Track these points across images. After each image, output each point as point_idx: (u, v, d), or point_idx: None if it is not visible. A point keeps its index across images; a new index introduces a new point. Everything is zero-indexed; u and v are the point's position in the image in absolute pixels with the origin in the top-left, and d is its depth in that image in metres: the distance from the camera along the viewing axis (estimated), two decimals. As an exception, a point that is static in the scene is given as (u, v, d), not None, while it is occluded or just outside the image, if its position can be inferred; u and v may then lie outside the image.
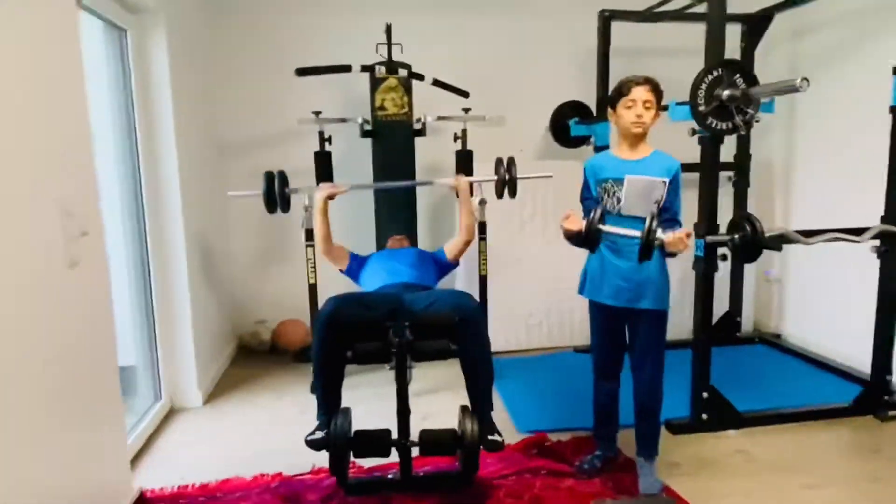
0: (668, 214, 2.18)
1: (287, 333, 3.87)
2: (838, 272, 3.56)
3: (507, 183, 3.07)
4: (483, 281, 3.50)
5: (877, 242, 2.74)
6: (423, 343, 2.17)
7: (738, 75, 2.37)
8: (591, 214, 2.03)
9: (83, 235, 1.92)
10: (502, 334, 3.90)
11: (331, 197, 2.87)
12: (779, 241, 2.48)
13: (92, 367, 1.99)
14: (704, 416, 2.70)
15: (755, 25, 3.66)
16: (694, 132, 2.54)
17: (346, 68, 3.23)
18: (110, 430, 2.12)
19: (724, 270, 3.98)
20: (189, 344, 3.12)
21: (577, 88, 3.86)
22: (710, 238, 2.56)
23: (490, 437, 2.14)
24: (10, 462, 1.49)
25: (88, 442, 1.96)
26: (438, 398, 3.16)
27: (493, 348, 3.75)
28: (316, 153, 3.42)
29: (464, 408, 2.20)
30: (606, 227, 2.05)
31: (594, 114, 3.74)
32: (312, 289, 3.27)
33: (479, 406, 2.24)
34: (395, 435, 2.17)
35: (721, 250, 2.65)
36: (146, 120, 2.91)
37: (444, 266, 3.01)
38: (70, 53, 1.92)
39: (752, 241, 2.42)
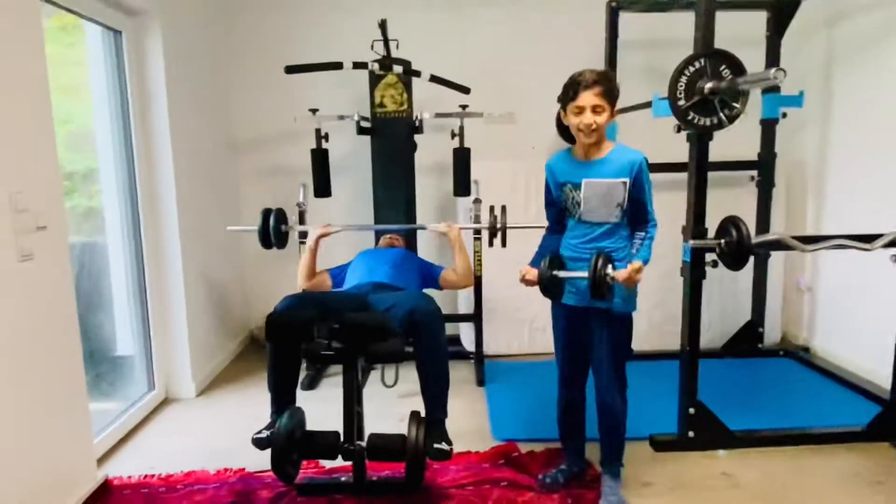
0: (637, 217, 2.04)
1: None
2: (872, 282, 3.23)
3: (496, 231, 2.96)
4: (478, 282, 3.42)
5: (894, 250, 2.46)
6: (376, 345, 2.12)
7: (724, 66, 2.17)
8: (541, 265, 2.01)
9: (39, 230, 1.99)
10: (503, 337, 3.80)
11: (323, 236, 2.89)
12: (768, 248, 2.26)
13: (53, 357, 2.07)
14: (691, 433, 2.52)
15: (781, 12, 3.38)
16: (679, 129, 2.35)
17: (338, 65, 3.21)
18: (74, 419, 2.19)
19: (747, 278, 3.74)
20: (184, 337, 3.21)
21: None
22: (695, 243, 2.37)
23: (436, 446, 2.07)
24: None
25: (50, 429, 2.05)
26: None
27: (493, 351, 3.78)
28: (313, 150, 3.43)
29: (414, 413, 2.14)
30: (561, 273, 2.02)
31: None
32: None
33: (430, 412, 2.17)
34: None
35: (711, 256, 2.45)
36: (142, 117, 3.01)
37: (431, 280, 2.95)
38: (30, 47, 1.99)
39: (737, 247, 2.22)
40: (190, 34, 3.33)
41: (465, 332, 3.79)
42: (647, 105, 2.61)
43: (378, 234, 3.41)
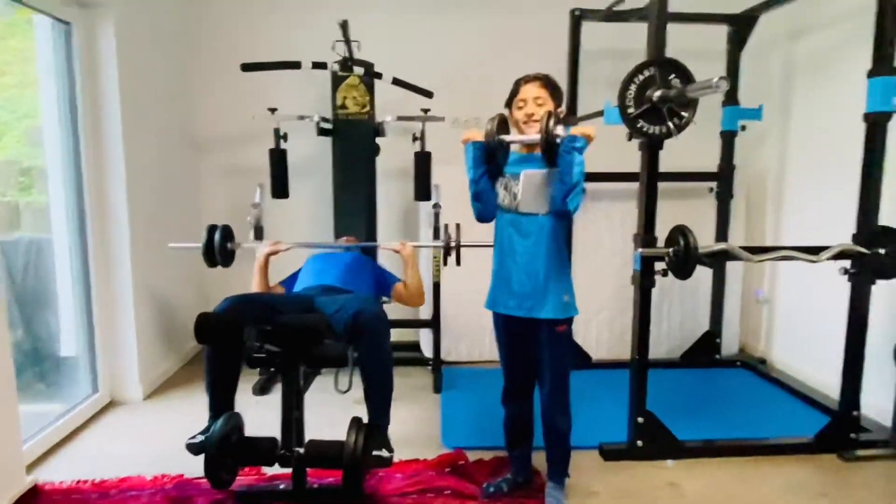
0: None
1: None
2: (825, 295, 3.25)
3: (450, 250, 2.91)
4: (436, 288, 3.39)
5: (845, 263, 2.48)
6: (316, 348, 2.07)
7: (673, 75, 2.18)
8: (489, 124, 1.93)
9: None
10: (464, 344, 3.77)
11: (272, 253, 2.78)
12: (715, 257, 2.26)
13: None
14: (639, 442, 2.50)
15: (741, 26, 3.42)
16: (631, 137, 2.35)
17: (296, 64, 3.17)
18: (1, 421, 2.10)
19: (706, 288, 3.76)
20: (131, 338, 3.12)
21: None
22: (645, 251, 2.36)
23: (375, 453, 2.02)
24: None
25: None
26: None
27: (453, 357, 3.74)
28: (271, 150, 3.38)
29: (354, 419, 2.09)
30: (508, 137, 1.97)
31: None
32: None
33: (372, 418, 2.13)
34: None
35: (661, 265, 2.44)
36: (92, 113, 2.93)
37: (385, 287, 2.88)
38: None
39: (685, 255, 2.22)
40: (147, 28, 3.25)
41: (425, 338, 3.75)
42: (601, 114, 2.61)
43: (337, 219, 3.34)
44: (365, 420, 2.10)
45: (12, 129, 2.92)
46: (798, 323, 3.56)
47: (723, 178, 3.61)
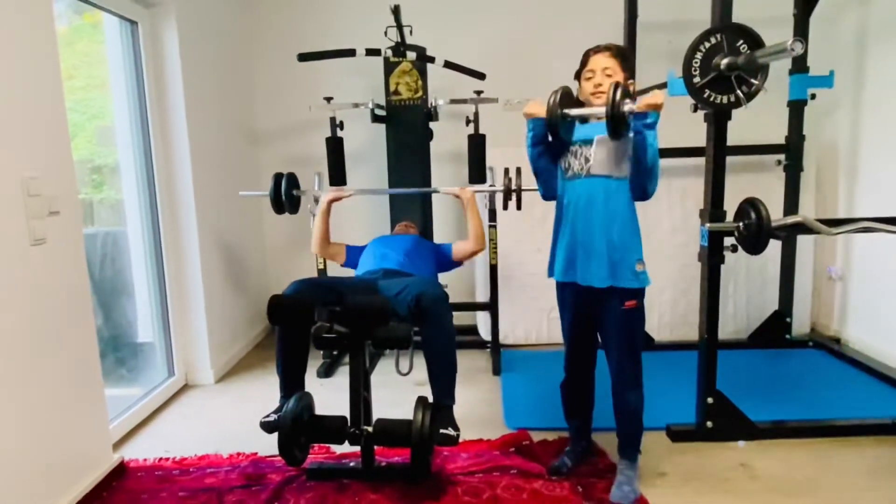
0: None
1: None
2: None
3: (510, 193, 2.92)
4: (493, 271, 3.39)
5: (930, 234, 2.33)
6: (381, 329, 2.10)
7: (741, 41, 2.08)
8: (551, 97, 1.86)
9: (52, 215, 2.03)
10: (521, 326, 3.76)
11: (335, 199, 2.92)
12: (789, 231, 2.17)
13: (67, 342, 2.11)
14: (709, 423, 2.44)
15: (809, -12, 3.24)
16: (696, 108, 2.27)
17: (351, 52, 3.20)
18: (89, 402, 2.23)
19: (774, 266, 3.62)
20: (202, 325, 3.25)
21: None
22: (712, 226, 2.29)
23: (442, 431, 2.05)
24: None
25: (65, 413, 2.09)
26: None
27: (511, 340, 3.73)
28: (328, 139, 3.43)
29: (420, 398, 2.11)
30: (573, 111, 1.89)
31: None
32: (321, 273, 3.33)
33: (437, 398, 2.15)
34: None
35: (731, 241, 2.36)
36: (159, 110, 3.05)
37: (446, 262, 2.94)
38: (42, 31, 2.02)
39: (756, 229, 2.14)
40: (207, 24, 3.35)
41: (483, 321, 3.76)
42: (664, 85, 2.53)
43: (394, 209, 3.40)
44: (430, 400, 2.13)
45: (83, 130, 3.07)
46: (875, 300, 3.39)
47: (791, 150, 3.45)
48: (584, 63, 1.98)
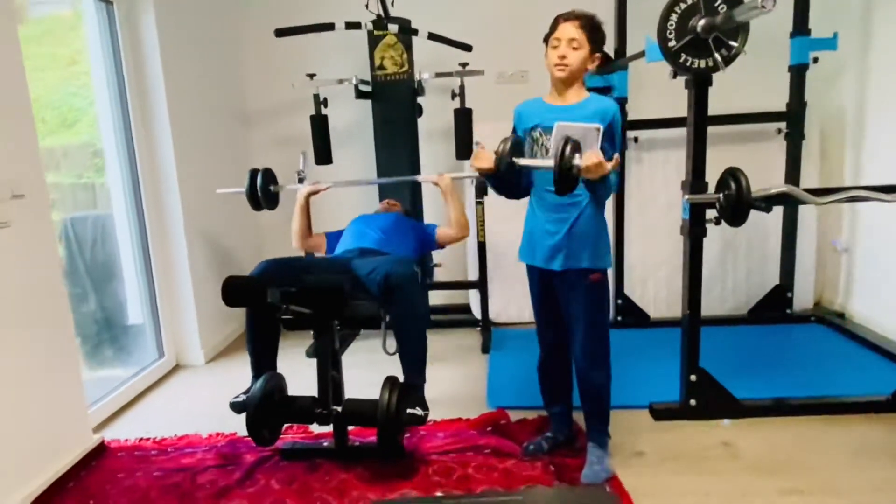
0: None
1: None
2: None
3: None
4: (482, 248, 3.33)
5: (928, 203, 2.21)
6: (350, 308, 2.08)
7: (719, 1, 1.97)
8: (500, 147, 1.82)
9: (14, 198, 2.03)
10: (514, 305, 3.70)
11: (313, 193, 2.86)
12: (773, 202, 2.07)
13: (41, 324, 2.12)
14: (692, 401, 2.37)
15: (811, -55, 3.06)
16: (675, 74, 2.17)
17: (330, 26, 3.13)
18: (66, 384, 2.26)
19: (776, 238, 3.50)
20: (190, 306, 3.26)
21: (598, 35, 3.47)
22: (691, 197, 2.20)
23: (409, 411, 2.02)
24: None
25: (42, 394, 2.12)
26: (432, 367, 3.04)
27: (504, 319, 3.68)
28: (312, 117, 3.38)
29: (388, 378, 2.08)
30: (521, 161, 1.83)
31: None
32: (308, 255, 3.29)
33: (406, 377, 2.12)
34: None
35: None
36: (139, 91, 3.03)
37: (428, 242, 2.88)
38: (2, 30, 2.00)
39: (736, 201, 2.04)
40: (186, 2, 3.29)
41: (475, 300, 3.71)
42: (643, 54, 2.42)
43: (381, 190, 3.35)
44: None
45: (86, 115, 3.07)
46: (881, 273, 3.25)
47: (792, 118, 3.30)
48: (552, 28, 1.87)
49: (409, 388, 2.11)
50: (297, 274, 2.20)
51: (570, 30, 1.81)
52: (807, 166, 3.40)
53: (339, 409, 2.09)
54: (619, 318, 3.54)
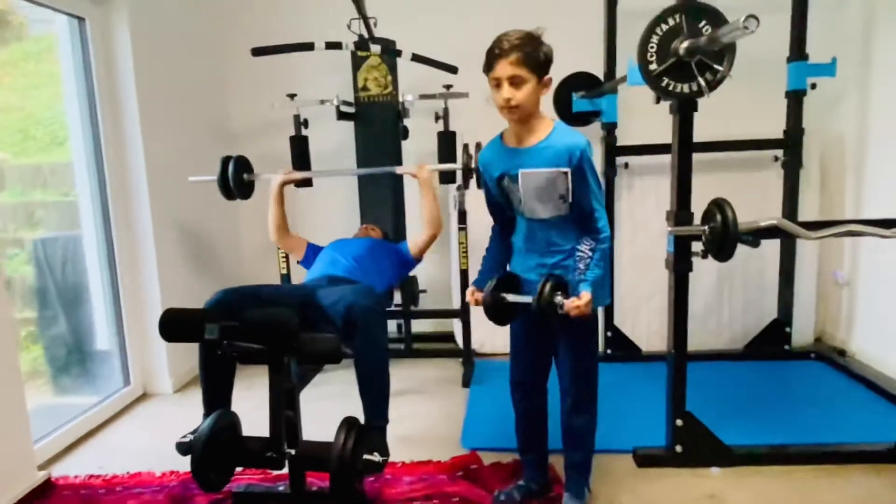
0: (582, 221, 1.76)
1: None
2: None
3: (471, 171, 2.74)
4: (464, 276, 3.19)
5: (931, 238, 2.06)
6: (304, 342, 1.93)
7: (703, 22, 1.85)
8: (486, 289, 1.77)
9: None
10: (500, 335, 3.52)
11: (287, 182, 2.77)
12: (761, 235, 1.93)
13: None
14: (678, 448, 2.20)
15: (807, -33, 2.96)
16: (659, 99, 2.05)
17: (309, 46, 3.04)
18: (8, 420, 2.12)
19: (773, 269, 3.35)
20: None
21: (588, 58, 3.36)
22: (675, 230, 2.06)
23: (366, 457, 1.86)
24: None
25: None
26: (404, 401, 2.90)
27: (489, 349, 3.53)
28: (291, 138, 3.28)
29: (346, 419, 1.93)
30: (509, 297, 1.77)
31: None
32: (285, 280, 3.17)
33: (367, 417, 1.97)
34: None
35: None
36: (111, 109, 2.94)
37: (407, 263, 2.77)
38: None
39: (722, 234, 1.90)
40: (163, 19, 3.20)
41: (458, 329, 3.56)
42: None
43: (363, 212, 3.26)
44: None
45: (75, 133, 2.99)
46: (886, 308, 3.08)
47: (790, 145, 3.17)
48: (487, 64, 1.67)
49: (368, 430, 1.95)
50: (258, 305, 2.07)
51: (507, 68, 1.62)
52: (806, 196, 3.25)
53: (294, 452, 1.93)
54: (609, 352, 3.38)
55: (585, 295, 1.65)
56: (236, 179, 2.83)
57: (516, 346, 1.97)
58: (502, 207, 1.90)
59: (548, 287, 1.64)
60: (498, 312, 1.80)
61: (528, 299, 1.71)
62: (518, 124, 1.73)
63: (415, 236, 2.77)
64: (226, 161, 2.83)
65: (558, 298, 1.65)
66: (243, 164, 2.88)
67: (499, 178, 1.80)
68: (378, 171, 3.07)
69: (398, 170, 2.89)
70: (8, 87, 2.96)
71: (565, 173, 1.66)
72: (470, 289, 1.87)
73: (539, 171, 1.69)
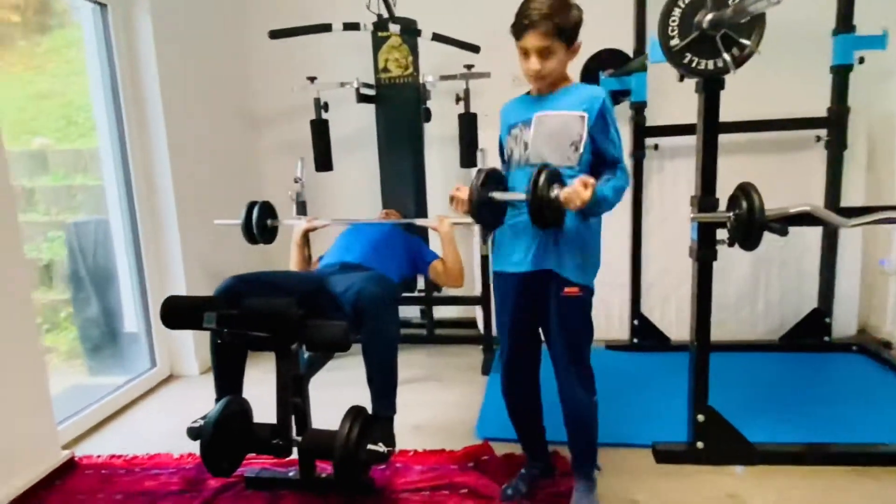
0: (605, 163, 1.67)
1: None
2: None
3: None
4: (484, 262, 3.13)
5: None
6: (310, 330, 1.91)
7: (729, -6, 1.72)
8: (473, 181, 1.64)
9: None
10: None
11: (310, 230, 2.75)
12: (790, 223, 1.80)
13: (3, 334, 2.05)
14: (700, 444, 2.11)
15: (857, -69, 2.73)
16: (682, 77, 1.92)
17: (327, 27, 2.99)
18: (31, 399, 2.18)
19: (814, 256, 3.17)
20: (185, 314, 3.17)
21: (616, 34, 3.20)
22: (699, 216, 1.94)
23: (370, 447, 1.84)
24: None
25: (4, 407, 2.04)
26: (422, 388, 2.88)
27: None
28: (312, 122, 3.26)
29: (353, 408, 1.91)
30: (497, 195, 1.65)
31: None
32: (305, 264, 3.17)
33: (374, 407, 1.95)
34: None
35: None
36: (134, 94, 2.97)
37: (421, 265, 2.69)
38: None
39: (746, 221, 1.78)
40: (186, 6, 3.19)
41: (480, 315, 3.51)
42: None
43: (383, 185, 3.26)
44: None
45: (100, 119, 3.04)
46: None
47: (834, 124, 2.96)
48: (515, 34, 1.64)
49: (375, 420, 1.93)
50: (267, 292, 2.06)
51: (536, 39, 1.59)
52: (851, 178, 3.05)
53: (300, 439, 1.93)
54: (635, 341, 3.27)
55: (587, 178, 1.49)
56: (260, 225, 2.78)
57: (505, 328, 1.87)
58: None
59: (542, 178, 1.50)
60: (484, 210, 1.67)
61: (519, 196, 1.58)
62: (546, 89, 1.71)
63: (440, 267, 2.62)
64: (251, 206, 2.78)
65: (554, 192, 1.51)
66: (267, 210, 2.83)
67: (512, 125, 1.75)
68: (398, 223, 2.92)
69: (419, 222, 2.84)
70: (51, 73, 3.03)
71: (582, 117, 1.61)
72: (456, 187, 1.76)
73: (556, 114, 1.65)
